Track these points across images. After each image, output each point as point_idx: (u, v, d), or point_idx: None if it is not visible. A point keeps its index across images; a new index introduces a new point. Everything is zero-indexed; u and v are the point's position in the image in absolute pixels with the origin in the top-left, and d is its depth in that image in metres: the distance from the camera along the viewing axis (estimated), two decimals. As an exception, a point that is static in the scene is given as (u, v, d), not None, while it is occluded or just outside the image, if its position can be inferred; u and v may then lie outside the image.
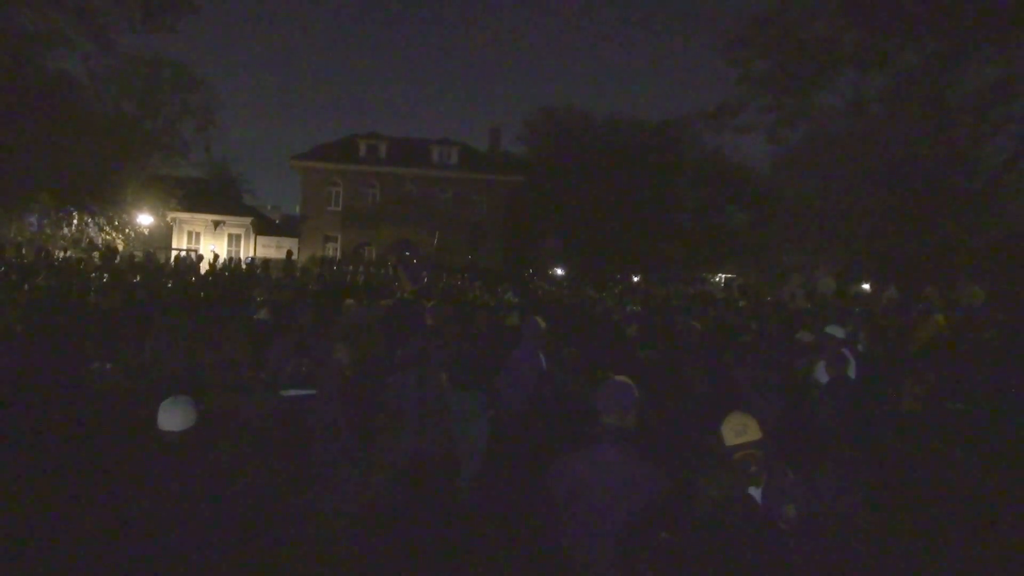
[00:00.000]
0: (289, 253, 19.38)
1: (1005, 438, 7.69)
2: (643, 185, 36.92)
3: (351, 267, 20.57)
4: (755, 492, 3.53)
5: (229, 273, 16.56)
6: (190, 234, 36.23)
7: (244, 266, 18.35)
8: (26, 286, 11.23)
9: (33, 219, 30.57)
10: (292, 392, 6.76)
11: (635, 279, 29.26)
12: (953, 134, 20.88)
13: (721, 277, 36.84)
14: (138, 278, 13.51)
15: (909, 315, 11.50)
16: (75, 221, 29.73)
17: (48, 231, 30.65)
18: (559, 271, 32.47)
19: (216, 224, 36.28)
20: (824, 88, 21.07)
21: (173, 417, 3.39)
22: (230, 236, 36.73)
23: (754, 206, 34.14)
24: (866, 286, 20.92)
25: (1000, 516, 5.80)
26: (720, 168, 38.07)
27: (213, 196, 35.97)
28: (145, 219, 30.33)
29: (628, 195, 36.42)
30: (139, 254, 20.74)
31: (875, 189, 21.82)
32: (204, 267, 17.85)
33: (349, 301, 10.66)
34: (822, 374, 6.93)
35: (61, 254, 18.35)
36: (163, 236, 34.16)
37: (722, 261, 38.19)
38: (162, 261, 18.82)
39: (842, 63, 20.45)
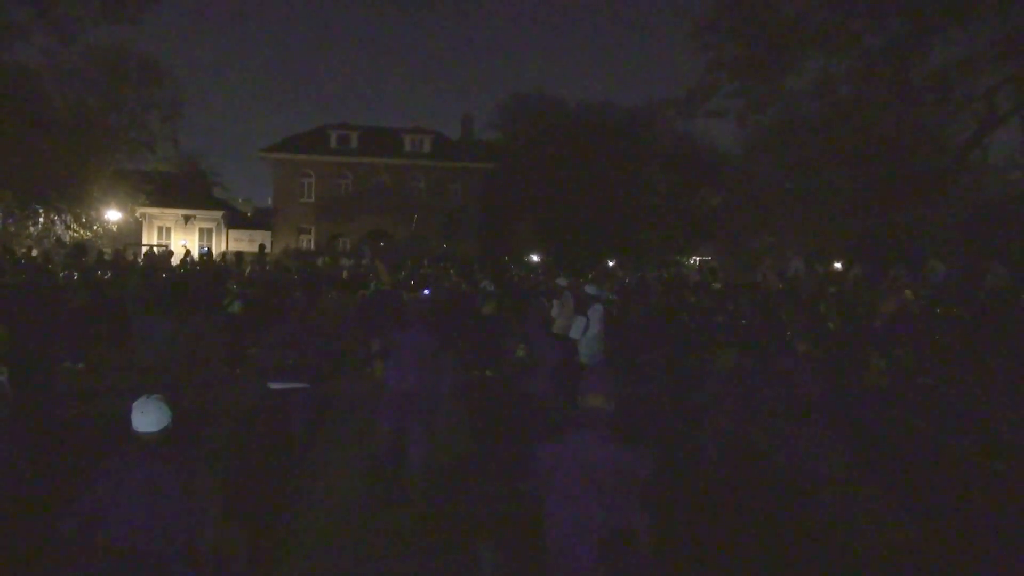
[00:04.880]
0: (261, 247, 19.22)
1: (972, 410, 7.92)
2: (615, 170, 37.00)
3: (328, 259, 20.42)
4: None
5: (201, 268, 16.36)
6: (160, 229, 35.72)
7: (209, 259, 18.15)
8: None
9: (-3, 217, 29.99)
10: (278, 385, 6.73)
11: (610, 264, 29.38)
12: (918, 113, 21.17)
13: (695, 259, 37.14)
14: (108, 275, 13.33)
15: (876, 292, 11.73)
16: (41, 219, 29.16)
17: (12, 229, 30.04)
18: (535, 257, 32.49)
19: (187, 218, 35.79)
20: (792, 71, 21.22)
21: (148, 418, 3.33)
22: (201, 230, 36.27)
23: (726, 189, 34.40)
24: (837, 265, 21.23)
25: (970, 481, 5.98)
26: (691, 152, 38.26)
27: (183, 190, 35.42)
28: (113, 215, 29.83)
29: (601, 180, 36.49)
30: (108, 251, 20.42)
31: (843, 169, 22.11)
32: (175, 262, 17.64)
33: (332, 293, 10.62)
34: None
35: (27, 252, 17.97)
36: (132, 232, 33.63)
37: (696, 244, 38.47)
38: (132, 257, 18.55)
39: (810, 45, 20.59)
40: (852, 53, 20.99)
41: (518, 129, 39.93)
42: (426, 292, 10.50)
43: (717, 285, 13.94)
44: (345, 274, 15.04)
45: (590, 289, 11.05)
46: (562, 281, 11.60)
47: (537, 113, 39.25)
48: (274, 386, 6.77)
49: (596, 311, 9.88)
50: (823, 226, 23.20)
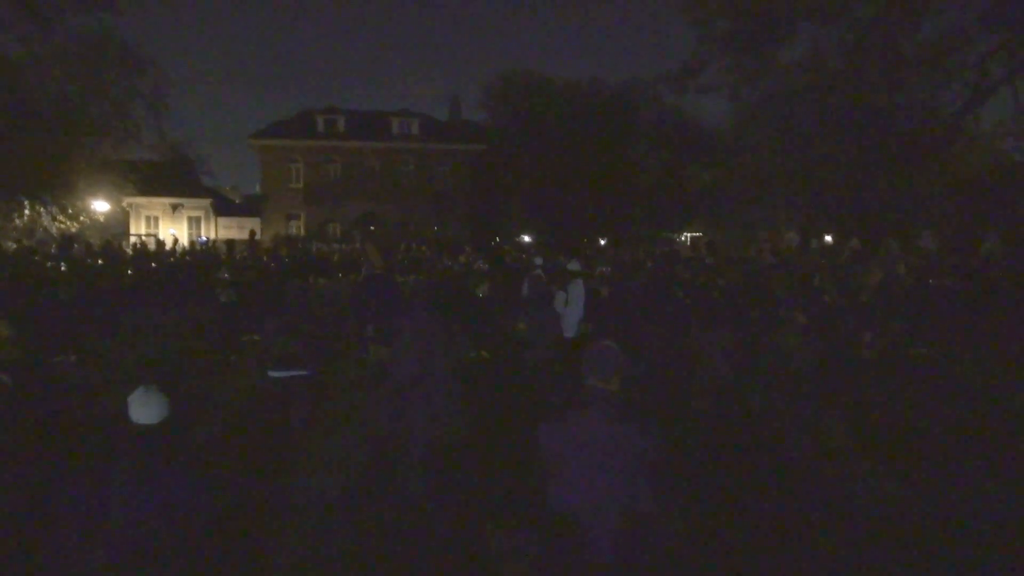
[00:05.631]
0: (252, 233, 19.07)
1: (965, 379, 7.96)
2: (605, 148, 36.84)
3: (319, 244, 20.30)
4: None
5: (191, 256, 16.24)
6: (148, 219, 35.42)
7: (198, 247, 17.99)
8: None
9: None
10: (278, 373, 6.67)
11: (601, 242, 29.32)
12: (910, 83, 21.09)
13: (687, 236, 37.10)
14: (100, 262, 13.20)
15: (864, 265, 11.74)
16: (27, 211, 28.81)
17: (-2, 222, 29.71)
18: (526, 238, 32.41)
19: (175, 207, 35.50)
20: (784, 43, 21.09)
21: (147, 410, 3.26)
22: (190, 219, 35.99)
23: (717, 164, 34.33)
24: (829, 238, 21.26)
25: (966, 450, 6.00)
26: (681, 128, 38.08)
27: (170, 179, 35.07)
28: (100, 205, 29.48)
29: (590, 159, 36.34)
30: (96, 242, 20.22)
31: (835, 141, 22.03)
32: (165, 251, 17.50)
33: (321, 280, 10.54)
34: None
35: (14, 245, 17.77)
36: (120, 222, 33.33)
37: (687, 220, 38.39)
38: (120, 247, 18.38)
39: (800, 17, 20.43)
40: (843, 24, 20.87)
41: (506, 109, 39.66)
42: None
43: (710, 260, 13.92)
44: (336, 258, 14.95)
45: (572, 265, 11.29)
46: (573, 265, 11.69)
47: (525, 93, 38.96)
48: (274, 374, 6.71)
49: (576, 286, 10.09)
50: (816, 199, 23.17)
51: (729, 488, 5.44)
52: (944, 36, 19.70)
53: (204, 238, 28.75)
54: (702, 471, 5.76)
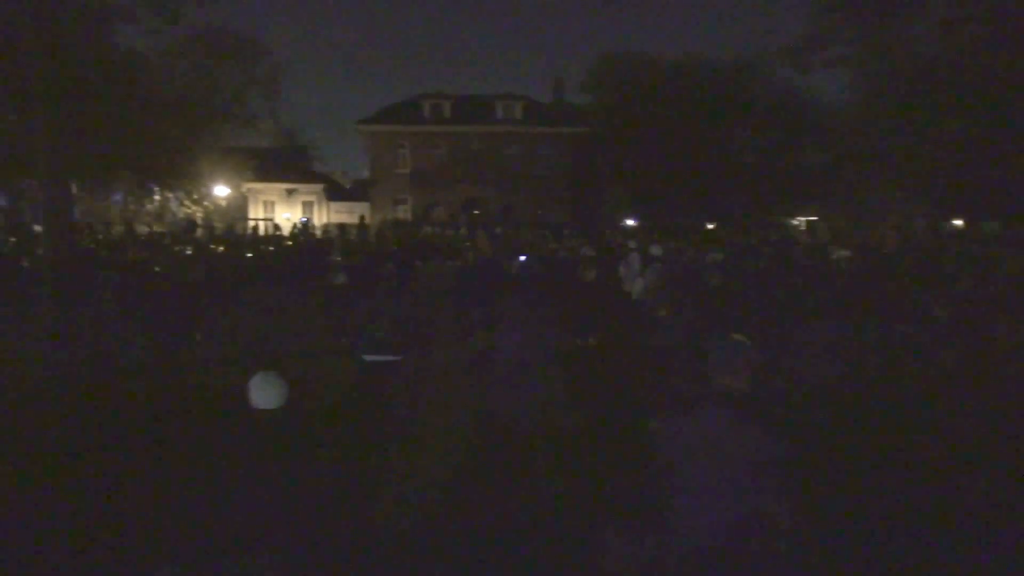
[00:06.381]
0: (362, 217, 19.55)
1: None
2: (711, 129, 35.55)
3: (434, 228, 20.55)
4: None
5: (304, 239, 16.78)
6: (265, 203, 37.07)
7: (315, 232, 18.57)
8: (117, 261, 11.59)
9: (118, 197, 31.88)
10: (371, 357, 6.69)
11: (708, 227, 28.39)
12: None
13: (800, 220, 35.37)
14: (220, 249, 13.81)
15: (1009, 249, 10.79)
16: (156, 197, 30.75)
17: (132, 207, 31.89)
18: (629, 222, 31.82)
19: (289, 192, 37.00)
20: (915, 11, 19.43)
21: (267, 394, 3.27)
22: (303, 203, 37.42)
23: (832, 145, 32.40)
24: (959, 222, 19.76)
25: None
26: (794, 107, 36.20)
27: (284, 165, 36.62)
28: (222, 191, 31.10)
29: (696, 140, 35.15)
30: (219, 225, 21.26)
31: (970, 117, 20.29)
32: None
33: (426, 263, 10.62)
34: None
35: (147, 229, 18.94)
36: (239, 206, 35.05)
37: (798, 204, 36.57)
38: (240, 231, 19.23)
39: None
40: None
41: (610, 91, 38.91)
42: (522, 259, 10.36)
43: (836, 247, 13.14)
44: (445, 241, 15.07)
45: (654, 250, 11.13)
46: (656, 250, 11.48)
47: (629, 73, 38.07)
48: (367, 358, 6.73)
49: (655, 271, 10.06)
50: (947, 178, 21.46)
51: (853, 495, 5.02)
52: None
53: (305, 219, 29.77)
54: (826, 476, 5.33)
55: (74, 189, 14.16)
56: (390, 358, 6.69)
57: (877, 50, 19.77)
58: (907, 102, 20.09)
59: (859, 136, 22.71)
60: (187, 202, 31.18)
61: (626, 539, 4.45)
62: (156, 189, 30.77)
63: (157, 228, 21.89)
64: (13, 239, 14.83)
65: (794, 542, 3.24)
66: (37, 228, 14.27)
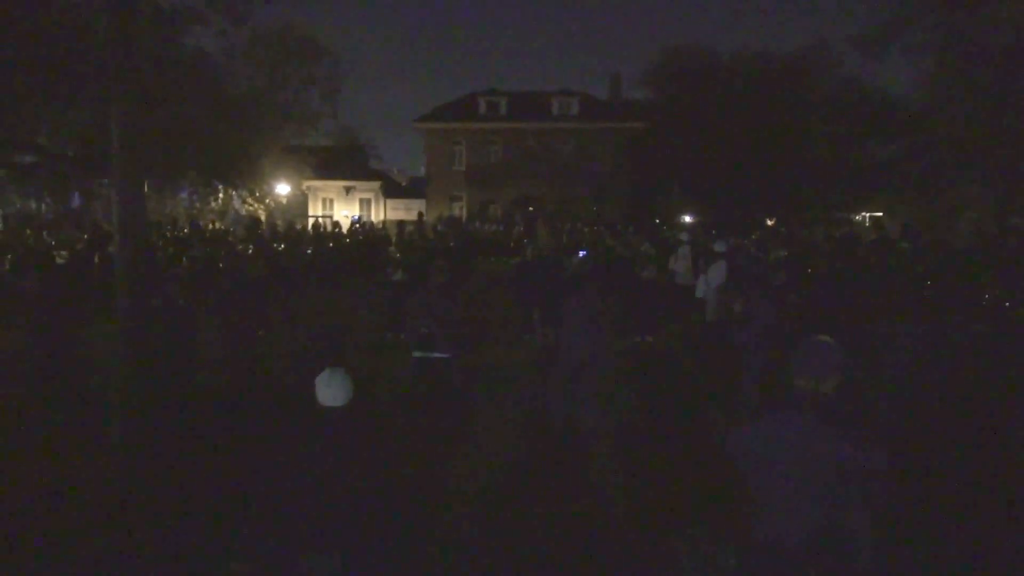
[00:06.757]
0: (420, 214, 19.67)
1: None
2: (773, 123, 34.58)
3: (491, 225, 20.56)
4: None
5: (363, 237, 16.96)
6: (324, 201, 37.71)
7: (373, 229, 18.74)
8: (184, 258, 11.92)
9: (184, 195, 32.82)
10: (420, 354, 6.69)
11: (768, 223, 27.66)
12: None
13: (864, 216, 34.14)
14: (281, 247, 14.05)
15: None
16: (220, 195, 31.53)
17: (198, 205, 32.78)
18: (687, 218, 31.25)
19: (347, 190, 37.54)
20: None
21: (335, 392, 3.24)
22: (361, 200, 37.94)
23: (902, 137, 31.09)
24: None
25: None
26: (858, 98, 34.88)
27: (343, 163, 37.14)
28: (283, 189, 31.69)
29: (757, 134, 34.26)
30: (280, 223, 21.67)
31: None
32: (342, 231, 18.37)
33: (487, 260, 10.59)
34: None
35: (211, 226, 19.41)
36: (300, 204, 35.71)
37: (864, 199, 35.26)
38: (301, 228, 19.56)
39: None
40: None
41: (668, 86, 38.27)
42: (581, 254, 10.25)
43: (905, 244, 12.59)
44: (502, 238, 15.04)
45: (717, 246, 10.94)
46: (719, 246, 11.25)
47: (689, 68, 37.37)
48: (416, 354, 6.72)
49: (719, 268, 9.96)
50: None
51: (948, 509, 4.76)
52: None
53: (357, 216, 30.07)
54: (920, 489, 5.05)
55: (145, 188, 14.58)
56: (438, 355, 6.66)
57: (961, 36, 18.71)
58: (989, 90, 19.05)
59: (939, 126, 21.58)
60: (249, 200, 31.84)
61: (696, 549, 4.31)
62: (220, 187, 31.50)
63: (220, 226, 22.45)
64: (85, 236, 15.39)
65: (877, 558, 3.07)
66: (106, 226, 14.75)
